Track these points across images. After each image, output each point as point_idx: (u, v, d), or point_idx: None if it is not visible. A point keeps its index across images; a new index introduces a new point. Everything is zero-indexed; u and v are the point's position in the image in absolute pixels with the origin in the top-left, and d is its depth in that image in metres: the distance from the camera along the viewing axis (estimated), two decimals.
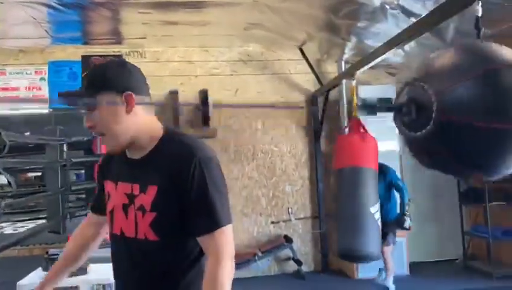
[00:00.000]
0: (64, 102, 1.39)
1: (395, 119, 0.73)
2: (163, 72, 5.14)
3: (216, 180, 1.24)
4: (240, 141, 5.25)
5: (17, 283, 2.48)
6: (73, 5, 3.83)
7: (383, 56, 3.46)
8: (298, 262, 5.01)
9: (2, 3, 3.58)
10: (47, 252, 2.26)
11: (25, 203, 4.79)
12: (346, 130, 3.58)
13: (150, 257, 1.26)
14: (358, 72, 4.07)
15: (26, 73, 5.09)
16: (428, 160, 0.76)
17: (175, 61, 5.20)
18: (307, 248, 5.29)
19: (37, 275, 2.78)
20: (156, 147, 1.28)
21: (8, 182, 2.57)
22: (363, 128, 3.37)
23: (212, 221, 1.19)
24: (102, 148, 3.95)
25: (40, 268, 2.84)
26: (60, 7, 3.81)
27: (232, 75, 5.28)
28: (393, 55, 4.03)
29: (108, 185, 1.37)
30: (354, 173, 3.21)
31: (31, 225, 7.44)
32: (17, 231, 7.36)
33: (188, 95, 5.11)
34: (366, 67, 3.88)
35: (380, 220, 3.23)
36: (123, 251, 1.32)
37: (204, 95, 5.01)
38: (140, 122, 1.26)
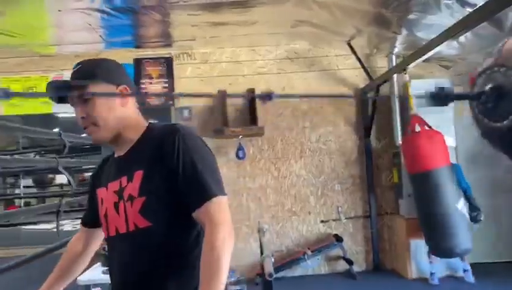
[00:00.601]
0: (56, 93, 1.31)
1: (472, 109, 0.68)
2: (212, 72, 5.22)
3: (202, 153, 1.22)
4: (287, 139, 5.23)
5: (78, 278, 2.60)
6: (125, 9, 3.96)
7: (437, 49, 3.33)
8: (349, 261, 4.93)
9: (59, 10, 3.77)
10: (104, 248, 2.34)
11: (83, 202, 5.00)
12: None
13: (143, 246, 1.21)
14: (411, 66, 3.95)
15: None
16: None
17: (223, 61, 5.25)
18: (358, 247, 5.18)
19: (96, 271, 2.91)
20: (140, 137, 1.29)
21: (68, 181, 2.69)
22: (427, 125, 3.29)
23: (203, 193, 1.15)
24: None
25: (99, 263, 2.97)
26: (113, 12, 3.95)
27: (279, 73, 5.26)
28: (447, 47, 3.86)
29: (101, 192, 1.34)
30: (432, 177, 3.18)
31: None
32: (76, 229, 7.73)
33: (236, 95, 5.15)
34: (418, 61, 3.75)
35: (465, 212, 3.23)
36: (117, 250, 1.27)
37: (251, 95, 5.03)
38: (130, 116, 1.30)
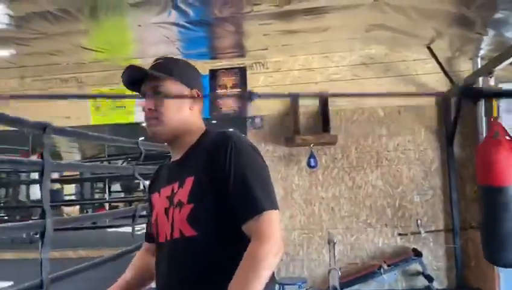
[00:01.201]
0: (132, 75, 1.28)
1: None
2: (284, 81, 5.22)
3: (254, 163, 1.18)
4: (362, 148, 5.06)
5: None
6: (200, 22, 4.10)
7: None
8: (429, 278, 4.62)
9: (139, 26, 3.99)
10: None
11: None
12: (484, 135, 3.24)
13: (186, 256, 1.17)
14: (498, 68, 3.65)
15: None
16: None
17: (295, 69, 5.23)
18: (439, 263, 4.85)
19: None
20: (195, 142, 1.28)
21: (144, 187, 2.82)
22: (508, 134, 3.00)
23: (252, 206, 1.11)
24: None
25: None
26: (189, 25, 4.11)
27: (353, 79, 5.12)
28: None
29: (154, 198, 1.33)
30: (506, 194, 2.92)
31: None
32: None
33: (308, 102, 5.09)
34: (506, 63, 3.45)
35: None
36: (164, 257, 1.24)
37: (324, 101, 4.95)
38: (193, 121, 1.30)
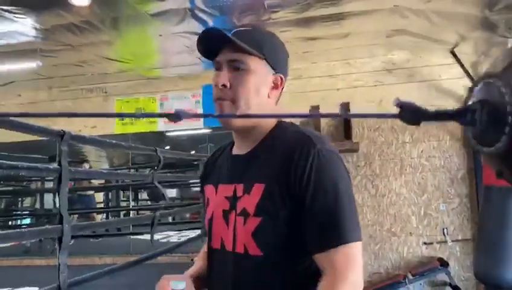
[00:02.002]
0: (205, 46, 1.07)
1: (465, 128, 0.53)
2: (305, 88, 5.20)
3: (339, 180, 0.95)
4: (385, 155, 4.97)
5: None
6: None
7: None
8: (456, 288, 4.47)
9: (160, 35, 4.06)
10: (192, 259, 2.42)
11: (183, 214, 5.28)
12: None
13: (249, 277, 1.00)
14: None
15: (185, 97, 5.67)
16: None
17: (316, 76, 5.21)
18: (467, 273, 4.68)
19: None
20: (266, 137, 1.06)
21: (162, 194, 2.84)
22: None
23: (336, 234, 0.91)
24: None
25: None
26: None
27: (375, 85, 5.06)
28: None
29: (208, 190, 1.15)
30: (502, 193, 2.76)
31: (192, 234, 8.23)
32: (180, 240, 8.22)
33: (330, 110, 5.05)
34: None
35: None
36: (219, 268, 1.08)
37: (345, 108, 4.90)
38: (269, 109, 1.07)
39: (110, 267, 2.23)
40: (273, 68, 1.07)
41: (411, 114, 0.48)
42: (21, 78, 5.30)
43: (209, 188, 1.15)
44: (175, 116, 0.52)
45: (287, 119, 1.15)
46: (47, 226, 2.00)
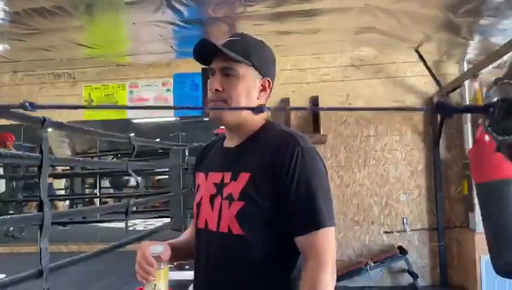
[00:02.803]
0: (200, 56, 1.19)
1: (483, 121, 0.67)
2: (276, 81, 5.26)
3: (319, 174, 1.10)
4: (350, 148, 5.16)
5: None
6: (194, 21, 4.18)
7: (510, 53, 3.15)
8: (414, 275, 4.75)
9: (134, 23, 4.05)
10: None
11: (152, 203, 5.30)
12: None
13: (232, 254, 1.12)
14: (483, 72, 3.76)
15: (155, 85, 5.65)
16: None
17: (287, 69, 5.32)
18: (424, 260, 4.98)
19: None
20: (255, 133, 1.19)
21: (136, 183, 2.88)
22: None
23: (316, 219, 1.05)
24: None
25: None
26: (183, 24, 4.17)
27: (343, 80, 5.23)
28: None
29: (200, 177, 1.27)
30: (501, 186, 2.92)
31: (158, 223, 8.23)
32: (146, 228, 8.20)
33: (299, 102, 5.19)
34: (490, 67, 3.57)
35: None
36: (204, 247, 1.20)
37: (314, 102, 5.05)
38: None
39: (89, 253, 2.27)
40: (260, 73, 1.19)
41: (446, 108, 0.60)
42: None
43: (201, 176, 1.27)
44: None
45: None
46: (28, 213, 2.01)
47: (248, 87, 1.17)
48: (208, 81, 1.20)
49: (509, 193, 2.88)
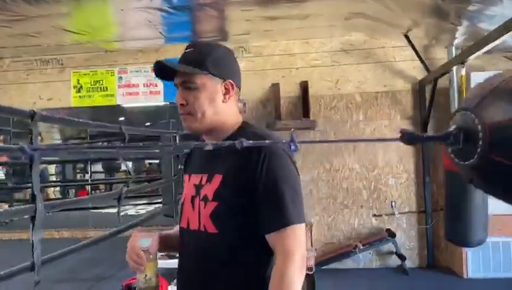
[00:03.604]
0: (161, 75, 1.25)
1: (447, 148, 0.75)
2: (265, 66, 5.30)
3: (288, 175, 1.15)
4: (340, 132, 5.21)
5: None
6: (183, 7, 4.14)
7: (498, 40, 3.18)
8: (401, 257, 4.86)
9: (122, 10, 4.00)
10: None
11: (144, 189, 5.31)
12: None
13: (208, 251, 1.19)
14: (471, 58, 3.79)
15: (144, 71, 5.62)
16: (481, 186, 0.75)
17: (276, 54, 5.31)
18: (412, 243, 5.09)
19: None
20: (230, 136, 1.23)
21: (128, 170, 2.90)
22: None
23: (282, 217, 1.10)
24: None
25: None
26: (172, 10, 4.13)
27: (333, 65, 5.24)
28: None
29: (185, 179, 1.34)
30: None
31: (150, 208, 8.27)
32: (138, 213, 8.24)
33: (289, 87, 5.21)
34: (479, 53, 3.60)
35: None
36: (185, 244, 1.27)
37: (304, 87, 5.07)
38: (228, 113, 1.24)
39: (81, 244, 2.30)
40: (220, 78, 1.23)
41: (410, 138, 0.69)
42: None
43: (186, 177, 1.35)
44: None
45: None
46: (21, 205, 2.03)
47: (210, 95, 1.21)
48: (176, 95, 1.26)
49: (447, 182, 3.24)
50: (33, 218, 1.91)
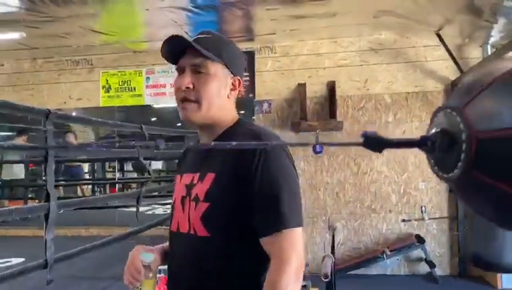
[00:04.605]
0: (170, 54, 1.17)
1: (427, 157, 0.60)
2: (292, 66, 5.22)
3: (285, 173, 1.07)
4: None
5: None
6: (207, 7, 4.12)
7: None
8: (431, 264, 4.66)
9: (147, 9, 4.02)
10: None
11: (166, 189, 5.34)
12: None
13: (199, 256, 1.09)
14: (508, 56, 3.60)
15: (171, 71, 5.64)
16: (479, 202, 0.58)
17: (303, 54, 5.22)
18: (442, 250, 4.88)
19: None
20: (223, 133, 1.16)
21: (148, 171, 2.89)
22: None
23: (278, 220, 1.02)
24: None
25: None
26: (196, 10, 4.13)
27: (361, 65, 5.10)
28: None
29: (177, 179, 1.25)
30: None
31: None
32: (166, 212, 8.31)
33: (316, 87, 5.11)
34: None
35: None
36: (175, 249, 1.18)
37: (331, 87, 4.95)
38: (229, 109, 1.19)
39: (94, 243, 2.30)
40: (231, 72, 1.18)
41: (374, 143, 0.55)
42: (4, 48, 5.21)
43: (177, 178, 1.26)
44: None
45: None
46: (34, 204, 2.04)
47: (219, 86, 1.15)
48: (175, 79, 1.17)
49: None
50: (46, 216, 1.90)
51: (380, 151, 0.57)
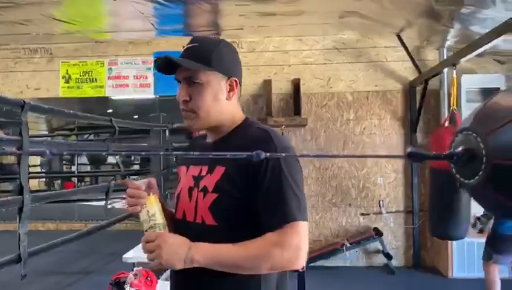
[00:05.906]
0: (164, 70, 1.21)
1: (451, 167, 0.79)
2: (258, 61, 5.28)
3: (292, 170, 1.13)
4: (330, 131, 5.22)
5: (123, 255, 2.76)
6: (175, 0, 4.09)
7: (490, 44, 3.20)
8: (388, 256, 4.89)
9: (114, 0, 3.94)
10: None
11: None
12: (446, 123, 3.44)
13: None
14: (462, 60, 3.82)
15: (135, 63, 5.55)
16: (490, 206, 0.83)
17: (269, 51, 5.29)
18: (398, 242, 5.13)
19: (140, 249, 3.07)
20: (233, 130, 1.23)
21: (117, 164, 2.86)
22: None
23: (282, 215, 1.08)
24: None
25: None
26: (165, 2, 4.08)
27: (325, 64, 5.24)
28: (504, 42, 3.70)
29: (181, 170, 1.31)
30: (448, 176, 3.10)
31: None
32: (124, 206, 8.14)
33: (281, 84, 5.20)
34: (471, 55, 3.62)
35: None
36: (182, 235, 1.17)
37: (296, 84, 5.06)
38: (231, 110, 1.23)
39: (69, 236, 2.26)
40: (225, 75, 1.21)
41: (418, 157, 0.74)
42: None
43: (183, 169, 1.31)
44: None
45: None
46: (8, 197, 1.99)
47: (215, 92, 1.19)
48: (178, 90, 1.22)
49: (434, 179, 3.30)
50: (20, 210, 1.86)
51: (421, 162, 0.81)
